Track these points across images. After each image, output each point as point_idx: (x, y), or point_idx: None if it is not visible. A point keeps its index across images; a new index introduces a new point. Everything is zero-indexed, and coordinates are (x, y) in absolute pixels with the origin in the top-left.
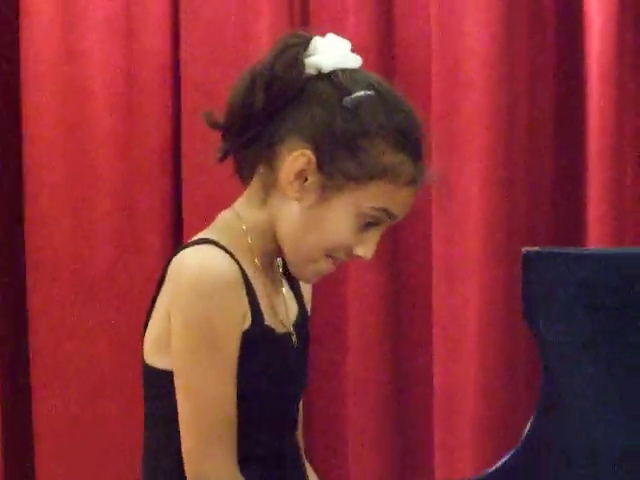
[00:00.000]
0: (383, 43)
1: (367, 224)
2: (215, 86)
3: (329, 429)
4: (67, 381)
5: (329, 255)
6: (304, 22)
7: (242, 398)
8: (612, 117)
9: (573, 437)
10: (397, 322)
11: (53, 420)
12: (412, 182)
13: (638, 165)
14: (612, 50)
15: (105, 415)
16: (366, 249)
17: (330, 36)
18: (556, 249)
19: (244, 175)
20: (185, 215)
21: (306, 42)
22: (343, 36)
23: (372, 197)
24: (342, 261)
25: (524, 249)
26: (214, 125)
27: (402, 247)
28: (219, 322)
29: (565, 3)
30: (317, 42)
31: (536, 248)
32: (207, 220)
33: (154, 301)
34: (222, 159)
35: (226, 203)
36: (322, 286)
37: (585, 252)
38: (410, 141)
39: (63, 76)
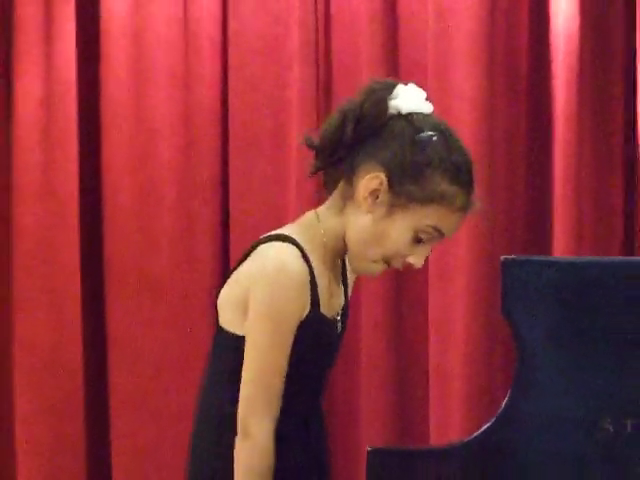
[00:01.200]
0: None
1: (420, 239)
2: (255, 126)
3: (344, 400)
4: (137, 360)
5: (386, 261)
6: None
7: (293, 366)
8: (574, 148)
9: (540, 409)
10: (398, 316)
11: (126, 392)
12: (462, 209)
13: (597, 186)
14: (575, 99)
15: (167, 387)
16: (417, 259)
17: (411, 85)
18: (529, 257)
19: (328, 187)
20: (231, 229)
21: (391, 87)
22: None
23: (428, 217)
24: (396, 267)
25: (502, 257)
26: (310, 146)
27: None
28: (286, 309)
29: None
30: (400, 89)
31: (512, 256)
32: (249, 232)
33: (231, 273)
34: (313, 173)
35: (263, 220)
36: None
37: (553, 260)
38: (464, 176)
39: (135, 119)
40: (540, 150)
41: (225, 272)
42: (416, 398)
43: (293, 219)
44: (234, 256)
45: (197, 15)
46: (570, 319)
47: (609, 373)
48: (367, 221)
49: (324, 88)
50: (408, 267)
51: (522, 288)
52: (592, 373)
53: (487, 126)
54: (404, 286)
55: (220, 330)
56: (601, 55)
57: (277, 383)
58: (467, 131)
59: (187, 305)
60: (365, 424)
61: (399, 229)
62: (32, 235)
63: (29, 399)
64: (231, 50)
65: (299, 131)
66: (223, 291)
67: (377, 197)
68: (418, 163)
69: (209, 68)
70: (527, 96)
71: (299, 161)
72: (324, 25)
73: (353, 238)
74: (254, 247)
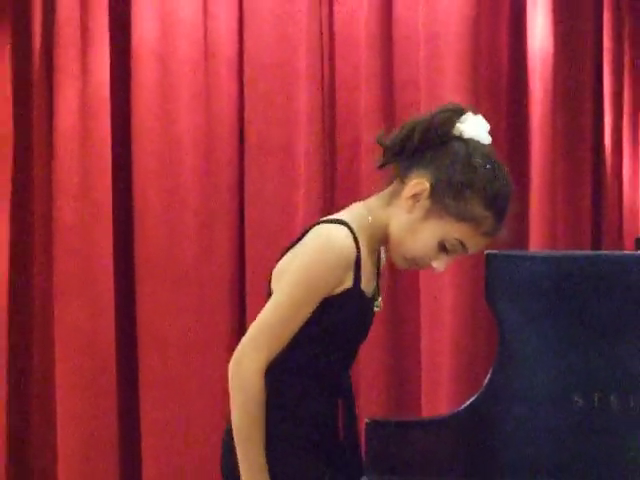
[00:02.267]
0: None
1: (444, 248)
2: (268, 136)
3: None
4: (164, 341)
5: (414, 260)
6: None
7: (332, 334)
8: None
9: (519, 385)
10: (394, 305)
11: (154, 370)
12: (488, 234)
13: (569, 190)
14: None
15: (192, 366)
16: (439, 264)
17: (479, 116)
18: (510, 252)
19: (386, 181)
20: (246, 226)
21: (461, 112)
22: None
23: (456, 232)
24: (421, 267)
25: (486, 252)
26: (381, 144)
27: None
28: (320, 278)
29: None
30: (469, 116)
31: (495, 251)
32: (262, 229)
33: (287, 250)
34: (380, 167)
35: (275, 219)
36: None
37: (530, 254)
38: (499, 206)
39: (162, 129)
40: (518, 157)
41: (241, 264)
42: (409, 376)
43: (302, 217)
44: (249, 250)
45: (216, 37)
46: (546, 306)
47: (580, 354)
48: (405, 219)
49: (328, 101)
50: (430, 269)
51: (503, 279)
52: (565, 354)
53: None
54: (399, 279)
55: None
56: (572, 73)
57: (284, 338)
58: None
59: (207, 293)
60: (364, 399)
61: (429, 234)
62: (70, 231)
63: (68, 376)
64: (246, 68)
65: (307, 139)
66: (277, 265)
67: (418, 200)
68: (462, 183)
69: (227, 84)
70: (507, 107)
71: (307, 166)
72: (329, 47)
73: (392, 231)
74: (310, 228)
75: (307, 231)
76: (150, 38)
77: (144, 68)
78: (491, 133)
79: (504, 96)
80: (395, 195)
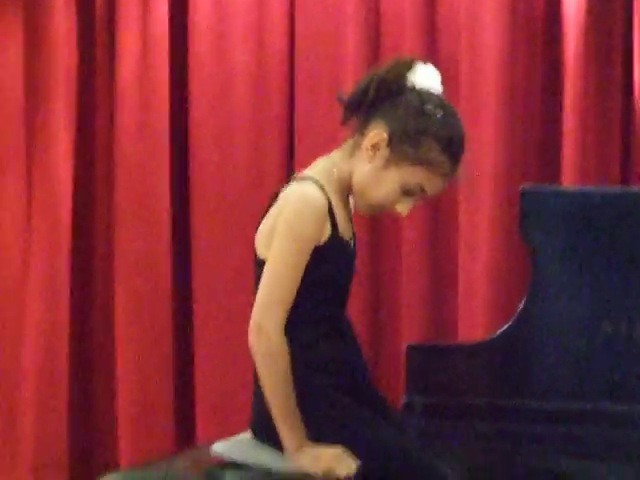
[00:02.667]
0: None
1: (406, 192)
2: (317, 74)
3: (389, 311)
4: (217, 264)
5: (379, 206)
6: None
7: (322, 279)
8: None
9: (550, 313)
10: (434, 238)
11: (209, 296)
12: (445, 175)
13: (600, 126)
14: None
15: (247, 290)
16: (403, 208)
17: (429, 65)
18: (543, 186)
19: (348, 135)
20: (296, 160)
21: (412, 64)
22: None
23: (415, 176)
24: (382, 213)
25: (521, 187)
26: (341, 101)
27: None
28: (305, 232)
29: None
30: (419, 66)
31: (529, 186)
32: (311, 160)
33: (264, 216)
34: (343, 123)
35: (322, 149)
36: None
37: (563, 189)
38: (453, 149)
39: (217, 69)
40: (553, 98)
41: None
42: (447, 304)
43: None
44: None
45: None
46: (577, 239)
47: (609, 285)
48: (367, 169)
49: (374, 45)
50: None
51: (537, 213)
52: (594, 284)
53: (509, 73)
54: (439, 215)
55: (259, 264)
56: (603, 21)
57: (291, 293)
58: (492, 78)
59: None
60: (406, 325)
61: (391, 181)
62: (130, 166)
63: (126, 299)
64: (297, 5)
65: (353, 79)
66: (259, 229)
67: (378, 150)
68: (417, 130)
69: (279, 21)
70: (542, 49)
71: None
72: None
73: (356, 181)
74: (279, 191)
75: (277, 194)
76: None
77: (200, 8)
78: (528, 75)
79: (540, 39)
80: (356, 147)
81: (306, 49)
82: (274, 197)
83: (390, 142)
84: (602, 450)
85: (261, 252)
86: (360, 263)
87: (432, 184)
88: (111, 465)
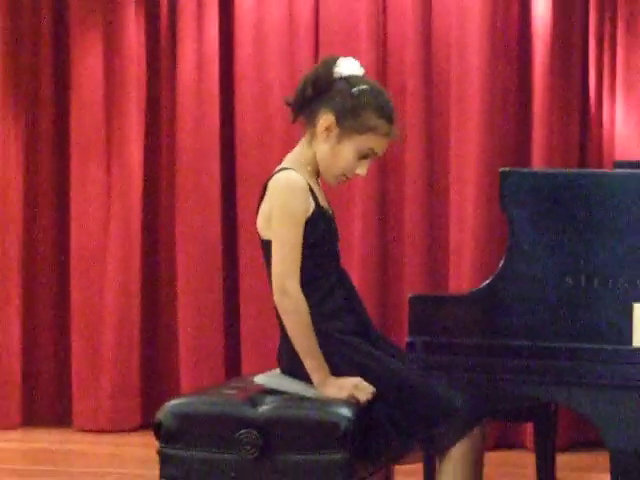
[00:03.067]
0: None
1: (362, 156)
2: None
3: (394, 271)
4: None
5: (344, 174)
6: None
7: (317, 245)
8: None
9: (524, 269)
10: (428, 212)
11: (252, 257)
12: (387, 135)
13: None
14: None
15: None
16: (362, 170)
17: (349, 58)
18: (518, 169)
19: (303, 131)
20: None
21: (335, 59)
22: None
23: (365, 142)
24: (350, 178)
25: (500, 169)
26: (288, 104)
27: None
28: (297, 209)
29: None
30: (341, 60)
31: (508, 168)
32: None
33: (259, 204)
34: (293, 122)
35: None
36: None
37: (534, 170)
38: (387, 112)
39: (258, 71)
40: (525, 97)
41: None
42: (441, 261)
43: None
44: None
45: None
46: (545, 211)
47: (570, 247)
48: (325, 148)
49: (382, 55)
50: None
51: (514, 190)
52: (559, 246)
53: (490, 79)
54: (434, 193)
55: (265, 244)
56: (566, 34)
57: (298, 257)
58: (477, 80)
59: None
60: (407, 278)
61: (347, 151)
62: (189, 156)
63: (185, 259)
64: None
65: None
66: (258, 217)
67: (331, 131)
68: (355, 107)
69: (305, 22)
70: (517, 57)
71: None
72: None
73: (320, 159)
74: (265, 187)
75: (266, 186)
76: (249, 8)
77: (244, 29)
78: (505, 78)
79: (514, 53)
80: (313, 136)
81: (328, 45)
82: (264, 187)
83: (337, 122)
84: (565, 378)
85: (264, 233)
86: (370, 236)
87: (379, 145)
88: (174, 392)
